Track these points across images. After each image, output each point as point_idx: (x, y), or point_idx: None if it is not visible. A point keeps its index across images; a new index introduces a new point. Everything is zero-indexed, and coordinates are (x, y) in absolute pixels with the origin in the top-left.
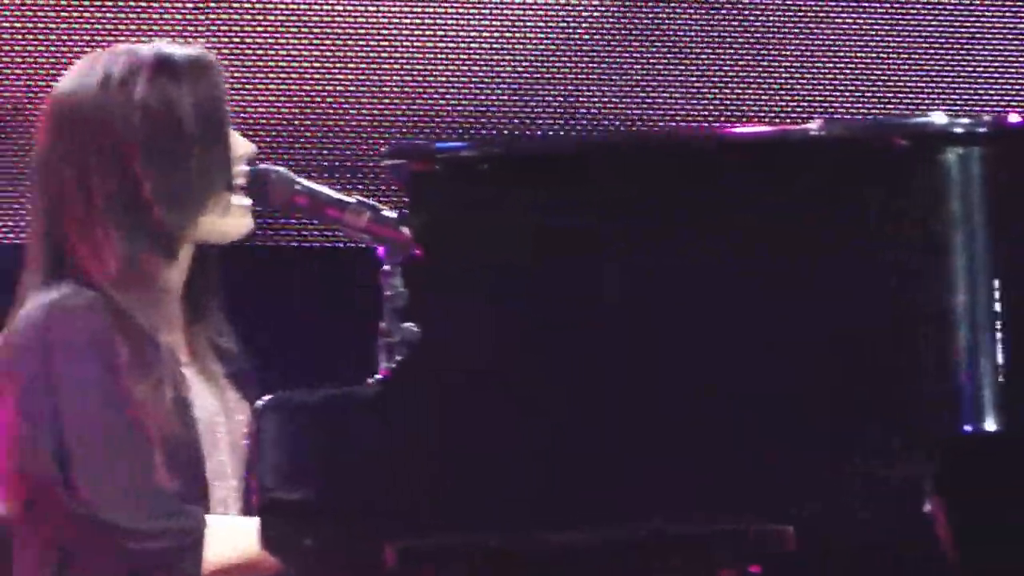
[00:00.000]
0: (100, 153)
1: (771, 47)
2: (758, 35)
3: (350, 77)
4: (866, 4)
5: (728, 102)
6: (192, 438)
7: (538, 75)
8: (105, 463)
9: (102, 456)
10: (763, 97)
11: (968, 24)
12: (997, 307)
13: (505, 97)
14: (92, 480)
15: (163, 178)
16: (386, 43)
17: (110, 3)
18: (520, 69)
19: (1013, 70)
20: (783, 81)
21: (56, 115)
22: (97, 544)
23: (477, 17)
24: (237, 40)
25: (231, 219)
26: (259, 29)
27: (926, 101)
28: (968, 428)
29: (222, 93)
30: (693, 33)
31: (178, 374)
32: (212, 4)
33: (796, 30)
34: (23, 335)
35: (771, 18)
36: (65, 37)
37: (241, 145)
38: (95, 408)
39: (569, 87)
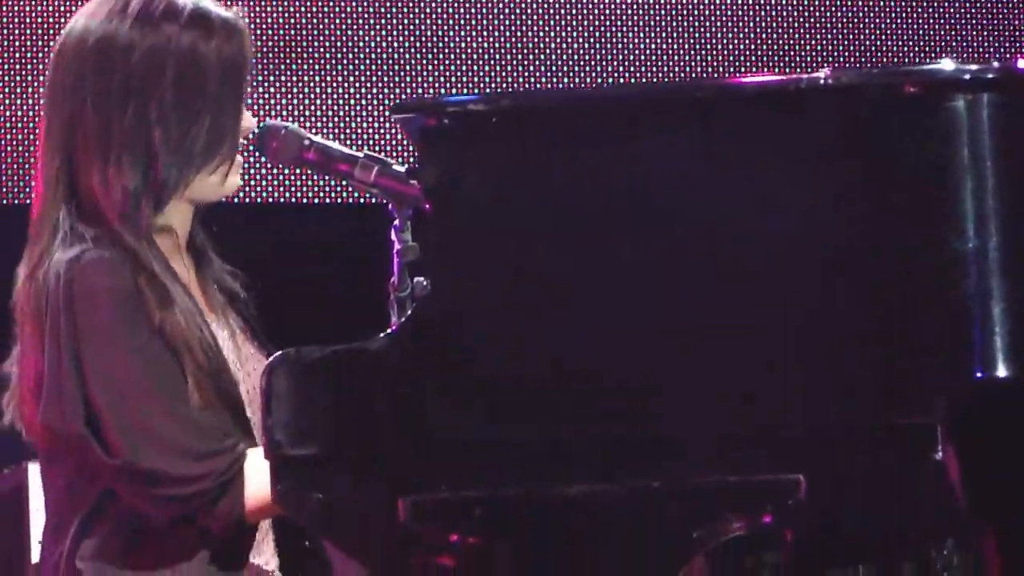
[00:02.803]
0: (124, 90)
1: None
2: None
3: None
4: None
5: (738, 52)
6: (226, 368)
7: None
8: (137, 412)
9: (133, 405)
10: (772, 46)
11: None
12: (1008, 253)
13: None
14: (125, 432)
15: (173, 130)
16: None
17: None
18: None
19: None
20: (792, 30)
21: (82, 48)
22: (133, 489)
23: None
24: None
25: (225, 181)
26: None
27: (935, 48)
28: (980, 375)
29: (248, 61)
30: None
31: (199, 314)
32: None
33: None
34: (49, 290)
35: None
36: None
37: (245, 118)
38: (121, 357)
39: (578, 39)
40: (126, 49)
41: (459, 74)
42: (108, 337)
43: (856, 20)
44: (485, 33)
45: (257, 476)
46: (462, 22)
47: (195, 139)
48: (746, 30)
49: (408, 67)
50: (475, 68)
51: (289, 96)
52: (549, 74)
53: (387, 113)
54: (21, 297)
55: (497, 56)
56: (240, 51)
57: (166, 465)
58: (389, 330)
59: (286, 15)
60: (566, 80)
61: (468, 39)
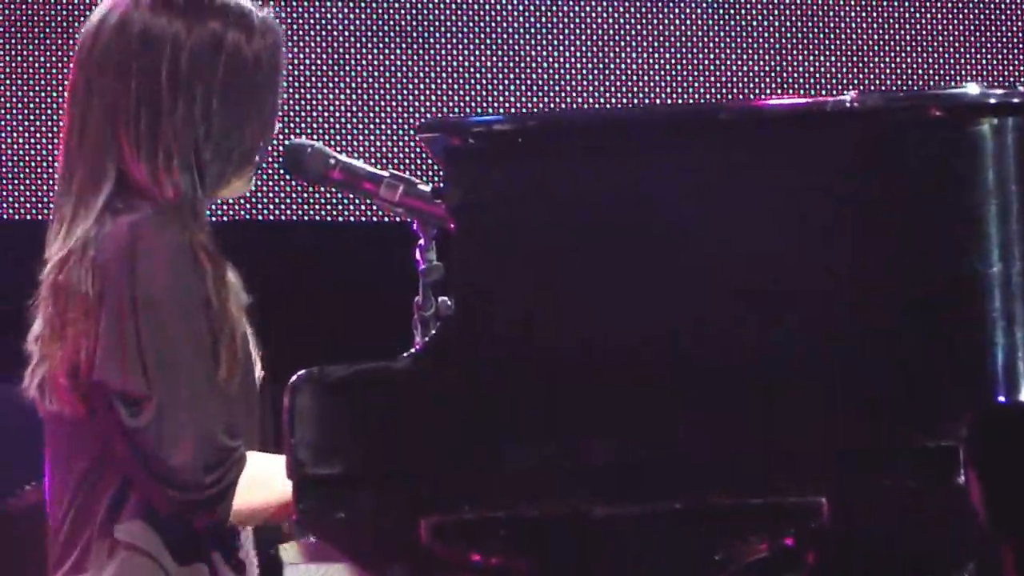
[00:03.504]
0: (172, 87)
1: (805, 19)
2: (793, 7)
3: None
4: None
5: (764, 74)
6: (251, 363)
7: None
8: (173, 385)
9: (172, 378)
10: (799, 69)
11: None
12: None
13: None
14: (159, 409)
15: (218, 130)
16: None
17: None
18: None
19: None
20: (818, 53)
21: (124, 36)
22: (144, 476)
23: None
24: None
25: (248, 184)
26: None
27: (961, 72)
28: (1002, 399)
29: (282, 64)
30: (728, 6)
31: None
32: None
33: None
34: (109, 252)
35: None
36: None
37: None
38: (172, 318)
39: (607, 62)
40: (174, 44)
41: (492, 95)
42: (164, 303)
43: (882, 44)
44: (502, 54)
45: (246, 483)
46: (493, 43)
47: (239, 140)
48: (773, 52)
49: (429, 86)
50: (491, 88)
51: (308, 110)
52: (563, 95)
53: (412, 132)
54: (57, 273)
55: (512, 76)
56: (278, 53)
57: (182, 468)
58: (413, 349)
59: (304, 30)
60: (603, 101)
61: (488, 60)
